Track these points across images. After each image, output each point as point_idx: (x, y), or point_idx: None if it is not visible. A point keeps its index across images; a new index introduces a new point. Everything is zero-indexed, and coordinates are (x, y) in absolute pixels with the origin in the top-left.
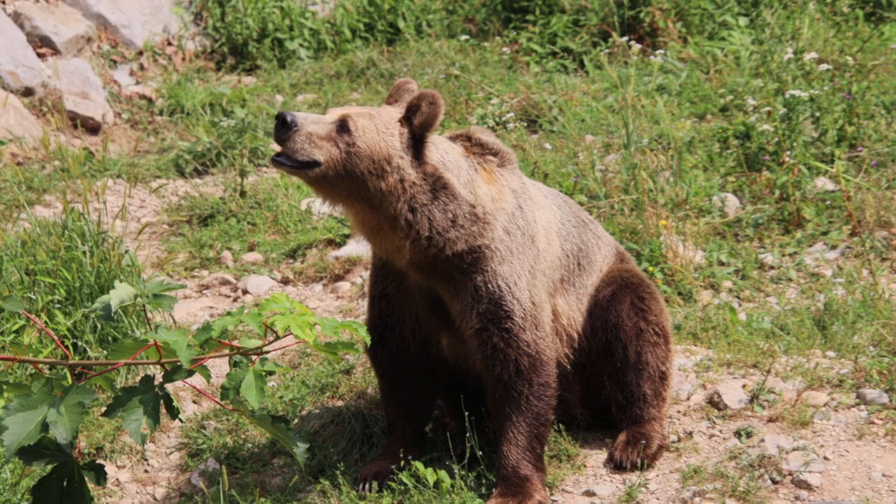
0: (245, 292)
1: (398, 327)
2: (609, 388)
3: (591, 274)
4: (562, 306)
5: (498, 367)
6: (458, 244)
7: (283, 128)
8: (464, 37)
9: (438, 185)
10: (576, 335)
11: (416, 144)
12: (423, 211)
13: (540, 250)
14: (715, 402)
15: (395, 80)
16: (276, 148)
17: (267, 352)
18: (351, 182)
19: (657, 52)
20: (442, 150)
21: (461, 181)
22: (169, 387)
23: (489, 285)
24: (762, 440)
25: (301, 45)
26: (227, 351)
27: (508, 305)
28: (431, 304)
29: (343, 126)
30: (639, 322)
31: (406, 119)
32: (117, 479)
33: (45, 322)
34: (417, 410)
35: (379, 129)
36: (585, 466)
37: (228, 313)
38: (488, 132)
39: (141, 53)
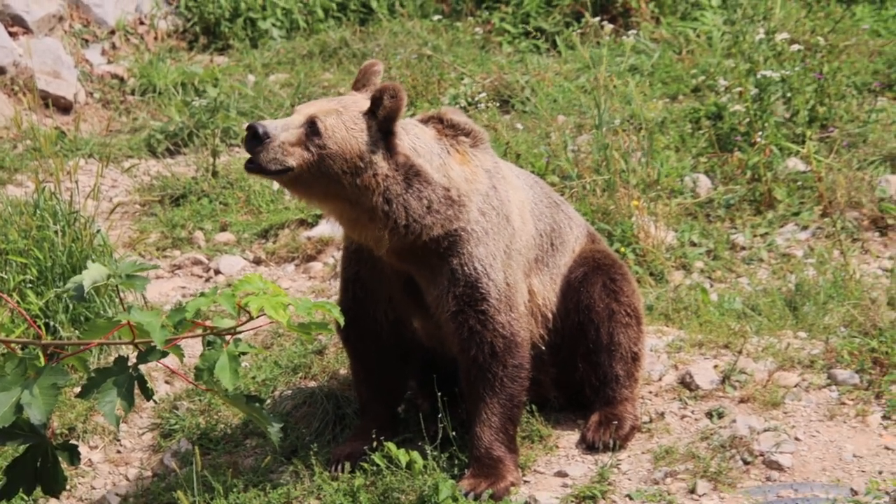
0: (217, 272)
1: (371, 309)
2: (582, 370)
3: (564, 254)
4: (537, 286)
5: (473, 348)
6: (434, 229)
7: (255, 140)
8: (436, 17)
9: (411, 174)
10: (550, 315)
11: (385, 136)
12: (399, 200)
13: (515, 230)
14: (687, 383)
15: (367, 61)
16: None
17: (240, 332)
18: (327, 182)
19: (629, 32)
20: (413, 136)
21: (434, 165)
22: (142, 367)
23: (465, 268)
24: (733, 421)
25: (273, 25)
26: (200, 331)
27: (484, 287)
28: (406, 287)
29: (312, 128)
30: (611, 303)
31: (371, 112)
32: (90, 460)
33: (17, 302)
34: (390, 391)
35: (347, 126)
36: (558, 447)
37: (202, 294)
38: (460, 112)
39: (113, 32)
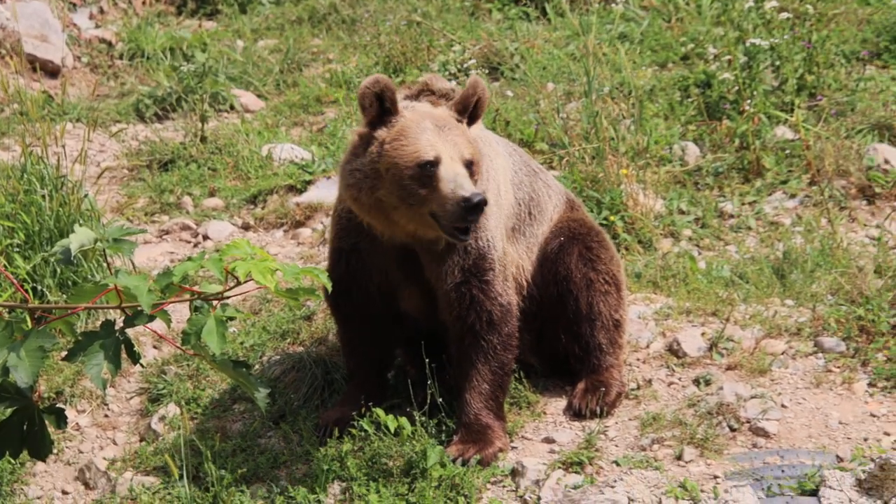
0: (205, 238)
1: (365, 280)
2: (565, 340)
3: (542, 223)
4: (511, 254)
5: (472, 316)
6: None
7: (484, 208)
8: None
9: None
10: (524, 283)
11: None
12: None
13: (502, 199)
14: (674, 350)
15: (356, 27)
16: None
17: (228, 297)
18: None
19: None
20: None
21: None
22: (129, 331)
23: (479, 240)
24: (720, 388)
25: None
26: (188, 296)
27: (491, 257)
28: (401, 260)
29: (470, 167)
30: (588, 272)
31: (460, 112)
32: (77, 424)
33: (4, 265)
34: (379, 359)
35: (472, 141)
36: (545, 414)
37: (189, 258)
38: (441, 78)
39: None
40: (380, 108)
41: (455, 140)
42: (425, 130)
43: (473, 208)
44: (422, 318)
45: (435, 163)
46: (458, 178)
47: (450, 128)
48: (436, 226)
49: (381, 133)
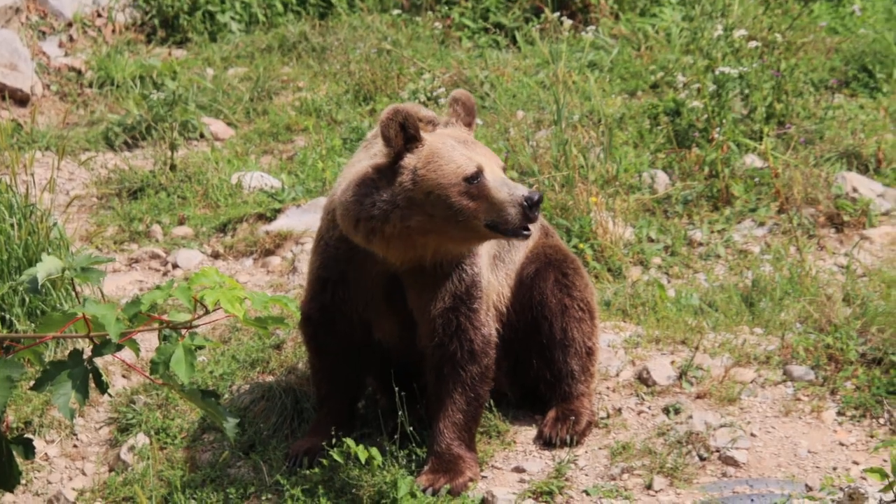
0: (175, 266)
1: (349, 310)
2: (537, 366)
3: (520, 249)
4: (493, 282)
5: (454, 344)
6: None
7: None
8: (396, 11)
9: None
10: (505, 310)
11: None
12: None
13: None
14: (644, 379)
15: (326, 55)
16: None
17: (196, 326)
18: None
19: (589, 28)
20: None
21: None
22: (98, 361)
23: (474, 266)
24: (690, 417)
25: (232, 18)
26: (156, 325)
27: (479, 285)
28: (386, 288)
29: (504, 171)
30: (563, 298)
31: (468, 125)
32: (46, 454)
33: None
34: (352, 388)
35: None
36: (515, 443)
37: (158, 287)
38: (422, 107)
39: (70, 25)
40: (405, 138)
41: (483, 151)
42: (455, 147)
43: (536, 204)
44: (397, 347)
45: (479, 173)
46: (506, 181)
47: (472, 141)
48: (489, 234)
49: (410, 161)
